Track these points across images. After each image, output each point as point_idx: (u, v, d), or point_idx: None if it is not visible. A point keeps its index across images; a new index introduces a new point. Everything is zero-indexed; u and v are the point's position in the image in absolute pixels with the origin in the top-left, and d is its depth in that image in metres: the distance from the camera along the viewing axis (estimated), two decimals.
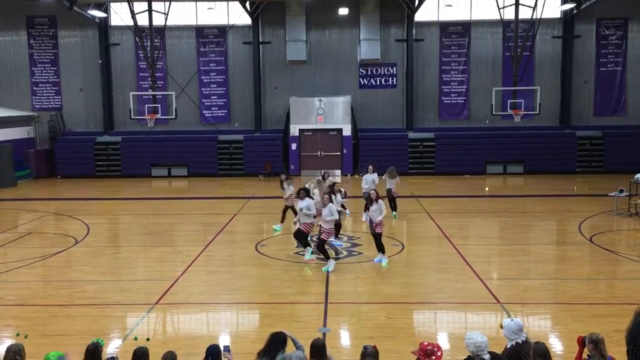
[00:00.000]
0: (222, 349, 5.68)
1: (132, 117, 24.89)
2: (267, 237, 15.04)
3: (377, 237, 12.12)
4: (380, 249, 12.16)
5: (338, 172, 26.42)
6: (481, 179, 25.36)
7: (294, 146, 26.79)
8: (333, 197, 15.10)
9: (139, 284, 11.32)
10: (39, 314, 9.58)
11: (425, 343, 5.29)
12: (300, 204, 12.58)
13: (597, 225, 15.92)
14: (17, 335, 6.76)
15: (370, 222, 12.30)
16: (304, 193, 12.74)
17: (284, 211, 15.67)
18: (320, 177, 15.39)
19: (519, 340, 5.41)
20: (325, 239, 11.96)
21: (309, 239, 12.76)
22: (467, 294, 10.47)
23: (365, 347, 5.59)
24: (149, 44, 23.97)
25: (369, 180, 16.31)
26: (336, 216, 12.05)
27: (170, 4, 23.71)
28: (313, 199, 13.28)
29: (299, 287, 10.81)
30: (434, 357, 5.18)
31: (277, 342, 5.59)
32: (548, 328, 9.05)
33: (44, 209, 19.39)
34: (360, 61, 27.44)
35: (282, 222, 15.60)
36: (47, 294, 10.74)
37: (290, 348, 5.86)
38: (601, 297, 10.27)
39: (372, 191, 12.33)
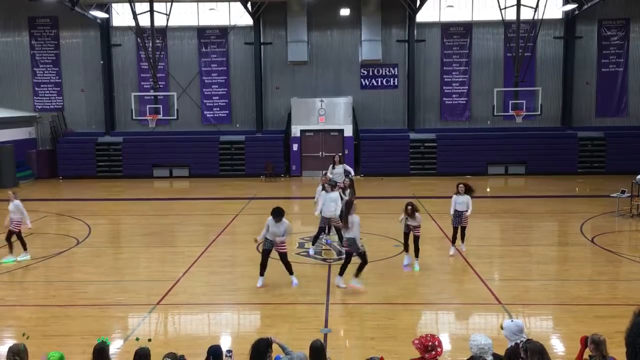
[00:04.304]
0: (224, 352, 5.65)
1: (134, 117, 24.88)
2: None
3: (417, 240, 11.93)
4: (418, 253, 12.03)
5: None
6: (483, 180, 25.32)
7: (295, 147, 26.80)
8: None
9: (140, 284, 11.32)
10: (41, 314, 9.59)
11: (428, 337, 5.23)
12: (279, 228, 10.65)
13: (599, 226, 15.91)
14: (23, 335, 6.79)
15: (409, 228, 11.91)
16: (279, 218, 10.65)
17: (9, 238, 12.64)
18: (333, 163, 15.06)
19: (519, 341, 5.40)
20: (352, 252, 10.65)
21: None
22: (469, 295, 10.48)
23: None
24: (150, 44, 23.96)
25: (333, 198, 13.03)
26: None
27: (171, 4, 23.71)
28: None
29: (300, 288, 10.80)
30: (433, 352, 5.16)
31: (260, 349, 5.54)
32: (549, 329, 9.05)
33: (45, 209, 19.39)
34: (361, 62, 27.44)
35: (10, 251, 12.66)
36: (48, 295, 10.75)
37: (277, 351, 5.83)
38: (603, 298, 10.27)
39: (410, 206, 11.71)
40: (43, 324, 9.12)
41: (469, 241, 14.03)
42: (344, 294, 10.58)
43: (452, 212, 12.66)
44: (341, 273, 10.74)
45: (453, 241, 12.97)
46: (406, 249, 12.23)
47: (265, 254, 10.85)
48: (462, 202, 12.57)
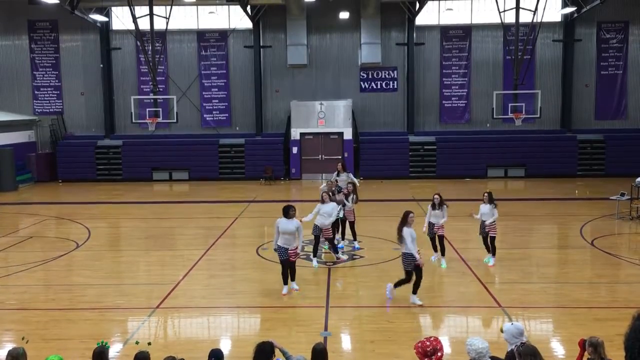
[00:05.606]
0: None
1: (134, 121, 24.92)
2: (268, 240, 15.01)
3: (442, 239, 12.38)
4: (444, 251, 12.38)
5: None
6: (482, 183, 25.33)
7: (295, 150, 26.81)
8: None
9: (140, 287, 11.31)
10: (40, 318, 9.58)
11: (427, 342, 5.19)
12: (290, 225, 10.46)
13: (599, 228, 15.90)
14: (23, 339, 6.79)
15: (433, 225, 12.24)
16: (293, 211, 10.66)
17: None
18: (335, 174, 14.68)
19: (520, 344, 5.40)
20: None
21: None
22: (469, 298, 10.47)
23: None
24: (150, 48, 24.00)
25: (329, 210, 12.52)
26: None
27: (171, 8, 23.74)
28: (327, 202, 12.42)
29: (300, 291, 10.79)
30: (433, 357, 5.13)
31: (265, 349, 5.53)
32: (549, 332, 9.06)
33: (45, 213, 19.40)
34: (361, 65, 27.46)
35: None
36: (48, 298, 10.75)
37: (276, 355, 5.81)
38: (602, 301, 10.27)
39: (436, 195, 12.25)
40: (42, 328, 9.11)
41: (469, 243, 14.05)
42: (343, 297, 10.58)
43: (478, 217, 12.32)
44: (413, 290, 10.03)
45: (487, 250, 12.46)
46: (435, 249, 12.61)
47: (285, 264, 10.55)
48: (485, 212, 12.12)
